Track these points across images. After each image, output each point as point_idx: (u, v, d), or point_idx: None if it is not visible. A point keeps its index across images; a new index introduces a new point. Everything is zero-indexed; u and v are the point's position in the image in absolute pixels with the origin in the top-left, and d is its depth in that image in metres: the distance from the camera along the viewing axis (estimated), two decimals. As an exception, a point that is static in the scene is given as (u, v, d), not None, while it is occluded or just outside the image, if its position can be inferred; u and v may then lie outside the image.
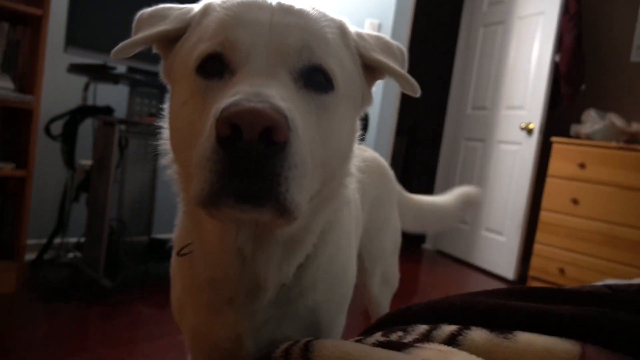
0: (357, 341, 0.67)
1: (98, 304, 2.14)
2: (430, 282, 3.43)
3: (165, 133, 0.73)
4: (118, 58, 0.70)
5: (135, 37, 0.70)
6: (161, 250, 2.47)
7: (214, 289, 0.72)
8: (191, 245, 0.74)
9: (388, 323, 0.78)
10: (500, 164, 3.77)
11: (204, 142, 0.52)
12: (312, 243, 0.72)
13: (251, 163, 0.49)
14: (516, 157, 3.61)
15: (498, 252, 3.66)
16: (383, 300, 1.46)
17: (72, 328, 1.93)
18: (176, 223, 0.84)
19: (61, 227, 2.38)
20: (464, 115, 4.23)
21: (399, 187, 1.48)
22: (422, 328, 0.68)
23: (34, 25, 2.10)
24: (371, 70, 0.74)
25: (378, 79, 0.77)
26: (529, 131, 3.50)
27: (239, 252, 0.67)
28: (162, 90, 2.62)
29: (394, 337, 0.69)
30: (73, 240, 2.51)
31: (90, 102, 2.40)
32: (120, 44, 0.70)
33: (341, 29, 0.70)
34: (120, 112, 2.51)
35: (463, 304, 0.71)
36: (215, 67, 0.61)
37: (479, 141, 4.02)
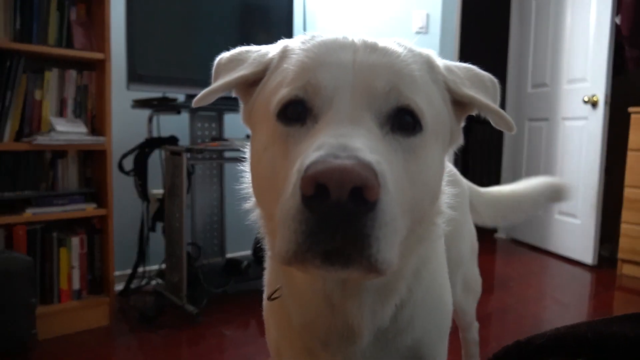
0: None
1: (185, 329, 2.21)
2: (507, 274, 3.32)
3: (248, 177, 0.72)
4: (198, 105, 0.70)
5: (215, 84, 0.69)
6: (237, 269, 2.52)
7: (307, 333, 0.70)
8: (281, 289, 0.73)
9: (508, 358, 0.75)
10: (567, 142, 3.59)
11: (288, 200, 0.49)
12: (405, 285, 0.69)
13: (339, 223, 0.47)
14: (583, 133, 3.43)
15: (574, 236, 3.49)
16: (467, 307, 1.42)
17: (165, 357, 2.00)
18: (265, 266, 0.84)
19: (142, 256, 2.48)
20: (524, 94, 4.06)
21: (469, 185, 1.42)
22: None
23: (98, 69, 2.17)
24: (460, 105, 0.70)
25: (468, 113, 0.73)
26: (594, 104, 3.30)
27: (327, 299, 0.65)
28: (220, 112, 2.67)
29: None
30: (154, 268, 2.60)
31: (155, 133, 2.47)
32: (201, 93, 0.69)
33: (428, 63, 0.66)
34: (184, 138, 2.56)
35: (596, 336, 0.66)
36: (297, 112, 0.58)
37: (543, 120, 3.84)
